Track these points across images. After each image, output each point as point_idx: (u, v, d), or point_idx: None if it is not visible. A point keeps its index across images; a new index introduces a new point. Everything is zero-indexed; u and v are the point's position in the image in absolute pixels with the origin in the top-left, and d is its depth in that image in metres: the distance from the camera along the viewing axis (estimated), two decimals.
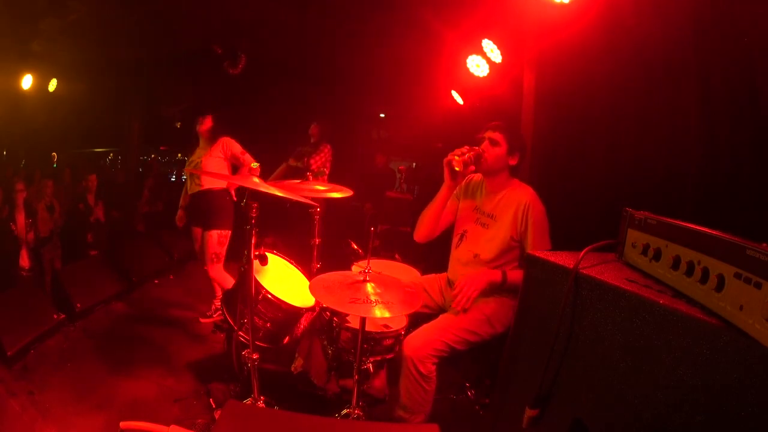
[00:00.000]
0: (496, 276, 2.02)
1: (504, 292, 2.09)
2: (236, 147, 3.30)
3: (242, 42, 5.38)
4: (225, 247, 3.24)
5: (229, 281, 3.20)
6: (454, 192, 2.31)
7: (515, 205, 2.08)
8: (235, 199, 3.36)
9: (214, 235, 3.18)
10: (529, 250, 1.94)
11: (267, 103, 6.68)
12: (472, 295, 1.97)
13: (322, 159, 4.79)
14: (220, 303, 3.15)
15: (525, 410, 1.34)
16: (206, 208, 3.24)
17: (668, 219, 1.12)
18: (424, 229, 2.28)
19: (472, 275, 2.02)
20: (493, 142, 2.12)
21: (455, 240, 2.31)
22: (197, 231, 3.34)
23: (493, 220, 2.16)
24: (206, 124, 3.32)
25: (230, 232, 3.25)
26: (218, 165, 3.23)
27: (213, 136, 3.32)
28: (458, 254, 2.27)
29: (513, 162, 2.15)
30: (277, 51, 5.72)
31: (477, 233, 2.22)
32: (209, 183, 3.25)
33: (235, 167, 3.43)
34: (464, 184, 2.35)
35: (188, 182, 3.39)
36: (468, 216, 2.29)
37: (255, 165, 2.15)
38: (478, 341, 2.01)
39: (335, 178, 2.89)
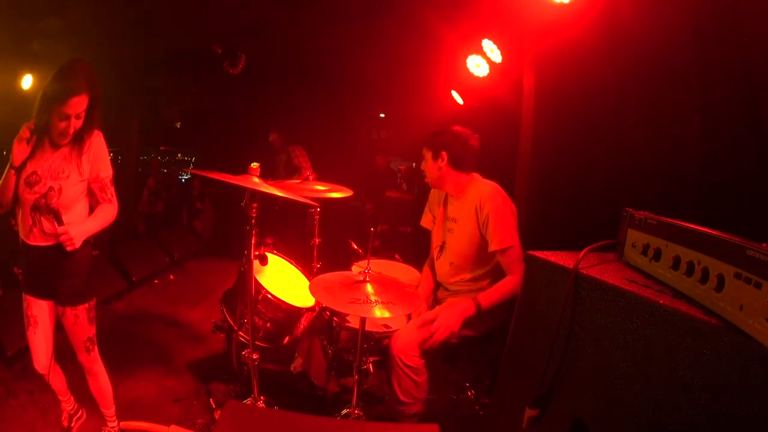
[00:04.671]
0: (470, 309, 1.94)
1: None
2: (105, 156, 1.86)
3: (242, 42, 5.38)
4: (95, 321, 1.98)
5: (104, 374, 2.07)
6: (428, 205, 2.38)
7: (473, 202, 2.06)
8: (94, 251, 2.03)
9: (83, 312, 1.89)
10: (491, 246, 1.97)
11: (267, 103, 6.68)
12: (445, 335, 1.92)
13: (305, 161, 4.90)
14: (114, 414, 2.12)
15: (525, 410, 1.34)
16: (68, 271, 1.83)
17: (668, 219, 1.12)
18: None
19: (446, 316, 1.93)
20: (423, 159, 2.18)
21: (435, 252, 2.29)
22: (42, 304, 1.87)
23: (456, 224, 2.14)
24: (78, 106, 1.67)
25: (95, 299, 1.99)
26: (79, 193, 1.83)
27: (83, 131, 1.77)
28: (439, 265, 2.26)
29: (443, 162, 2.11)
30: (277, 51, 5.72)
31: (448, 241, 2.21)
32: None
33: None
34: (433, 199, 2.35)
35: (22, 225, 1.80)
36: (440, 226, 2.28)
37: (255, 165, 1.97)
38: (471, 334, 2.03)
39: (335, 178, 2.88)
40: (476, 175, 2.16)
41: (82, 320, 1.90)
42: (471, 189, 2.11)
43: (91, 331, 1.96)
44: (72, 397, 2.13)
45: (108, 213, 1.90)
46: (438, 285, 2.32)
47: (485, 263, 2.09)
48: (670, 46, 1.92)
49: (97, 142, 1.83)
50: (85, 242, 1.85)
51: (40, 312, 1.87)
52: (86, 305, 1.91)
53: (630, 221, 1.29)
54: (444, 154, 2.11)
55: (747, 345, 0.81)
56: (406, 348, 1.93)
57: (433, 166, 2.14)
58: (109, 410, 2.10)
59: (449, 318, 1.92)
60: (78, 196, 1.82)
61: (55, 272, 1.80)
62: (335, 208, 4.00)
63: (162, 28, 4.71)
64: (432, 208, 2.36)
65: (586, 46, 2.37)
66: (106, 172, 1.87)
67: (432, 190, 2.35)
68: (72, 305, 1.87)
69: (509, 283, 1.96)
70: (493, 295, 1.97)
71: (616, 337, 1.10)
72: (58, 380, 2.05)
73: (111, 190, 1.90)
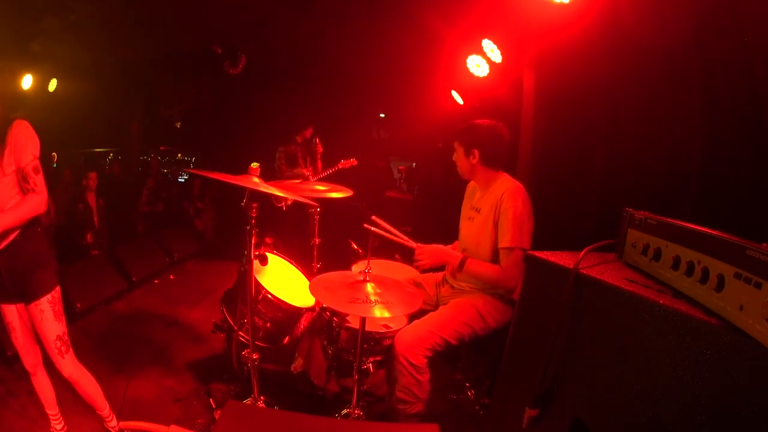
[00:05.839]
0: (454, 259, 2.10)
1: (493, 291, 2.11)
2: (25, 144, 1.71)
3: (242, 42, 5.38)
4: (64, 317, 1.84)
5: (88, 376, 1.98)
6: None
7: (497, 196, 2.08)
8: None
9: (46, 305, 1.77)
10: (501, 242, 2.00)
11: (267, 103, 6.68)
12: (425, 264, 2.17)
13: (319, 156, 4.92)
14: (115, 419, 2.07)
15: (525, 410, 1.34)
16: (23, 267, 1.73)
17: (668, 219, 1.13)
18: None
19: (432, 251, 2.17)
20: (455, 152, 2.22)
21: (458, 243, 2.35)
22: (11, 309, 1.78)
23: (478, 213, 2.18)
24: None
25: (59, 286, 1.84)
26: (9, 189, 1.70)
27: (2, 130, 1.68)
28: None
29: (474, 160, 2.14)
30: (277, 51, 5.72)
31: (465, 228, 2.26)
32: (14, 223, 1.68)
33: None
34: (469, 190, 2.38)
35: None
36: (463, 215, 2.33)
37: (255, 165, 1.97)
38: (471, 333, 2.04)
39: (335, 178, 2.88)
40: (505, 174, 2.19)
41: (47, 315, 1.77)
42: (497, 184, 2.14)
43: (61, 328, 1.82)
44: (61, 416, 2.00)
45: (30, 204, 1.71)
46: (444, 281, 2.34)
47: (493, 261, 2.09)
48: (671, 46, 1.92)
49: (17, 131, 1.70)
50: (26, 238, 1.73)
51: (12, 317, 1.80)
52: (47, 296, 1.77)
53: (630, 221, 1.29)
54: (476, 152, 2.13)
55: (747, 345, 0.81)
56: (411, 346, 1.93)
57: (465, 162, 2.18)
58: (104, 411, 2.05)
59: (435, 252, 2.17)
60: (6, 194, 1.70)
61: (3, 274, 1.68)
62: (335, 208, 4.01)
63: (162, 28, 4.72)
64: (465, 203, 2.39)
65: (586, 46, 2.37)
66: (26, 160, 1.70)
67: (467, 186, 2.40)
68: (33, 301, 1.76)
69: (494, 271, 2.01)
70: (478, 267, 2.06)
71: (616, 337, 1.10)
72: (45, 389, 1.94)
73: (34, 179, 1.72)
